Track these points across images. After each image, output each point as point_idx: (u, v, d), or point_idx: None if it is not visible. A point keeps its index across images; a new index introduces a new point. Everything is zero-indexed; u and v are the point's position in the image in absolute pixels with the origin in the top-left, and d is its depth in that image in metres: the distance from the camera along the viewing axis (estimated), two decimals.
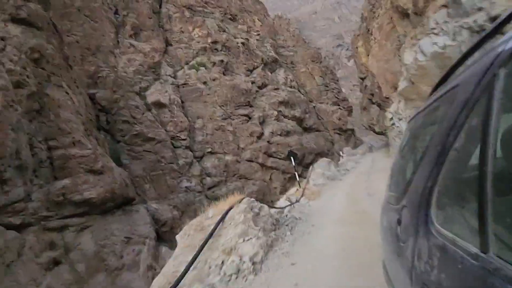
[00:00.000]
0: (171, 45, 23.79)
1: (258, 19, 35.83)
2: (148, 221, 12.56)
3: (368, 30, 14.61)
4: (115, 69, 18.10)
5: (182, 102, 20.66)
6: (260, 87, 26.45)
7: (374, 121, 25.20)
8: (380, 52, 11.39)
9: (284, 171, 22.49)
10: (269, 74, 29.27)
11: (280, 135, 24.06)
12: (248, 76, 26.09)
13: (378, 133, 29.30)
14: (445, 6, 6.84)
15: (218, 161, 20.12)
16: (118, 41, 19.97)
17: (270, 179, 21.57)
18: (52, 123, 9.57)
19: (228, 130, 21.39)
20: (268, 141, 22.90)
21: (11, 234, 7.27)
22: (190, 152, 18.76)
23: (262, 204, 6.14)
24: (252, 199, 6.09)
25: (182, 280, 3.72)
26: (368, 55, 15.66)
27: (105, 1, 20.37)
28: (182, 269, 3.95)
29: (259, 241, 4.63)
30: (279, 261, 4.52)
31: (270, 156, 22.53)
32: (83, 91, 13.68)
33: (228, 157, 20.58)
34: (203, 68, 23.54)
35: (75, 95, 11.44)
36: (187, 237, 5.06)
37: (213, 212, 5.75)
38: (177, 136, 18.39)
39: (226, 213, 5.28)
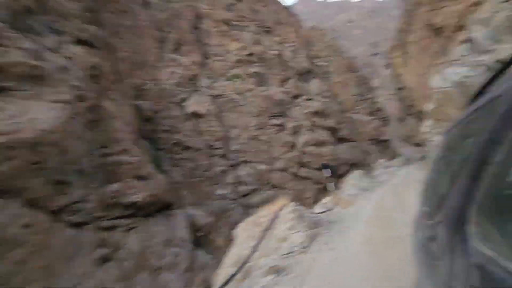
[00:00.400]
0: (208, 58, 25.01)
1: (292, 31, 36.39)
2: (186, 226, 13.27)
3: (405, 43, 14.47)
4: (158, 82, 19.46)
5: (218, 112, 21.57)
6: (293, 98, 26.78)
7: (411, 133, 24.38)
8: (416, 66, 11.27)
9: (317, 181, 22.44)
10: (303, 84, 29.53)
11: (314, 145, 24.08)
12: (282, 86, 26.56)
13: (416, 145, 28.22)
14: (465, 41, 7.44)
15: (252, 170, 20.63)
16: (161, 56, 21.47)
17: (303, 189, 21.63)
18: (106, 133, 10.64)
19: (262, 140, 21.88)
20: (301, 151, 23.05)
21: (72, 231, 8.21)
22: (225, 161, 19.47)
23: (304, 207, 7.31)
24: (296, 203, 7.20)
25: (250, 258, 5.18)
26: (404, 67, 15.45)
27: (150, 19, 22.06)
28: (247, 252, 5.47)
29: (304, 233, 6.04)
30: (320, 247, 5.93)
31: (303, 166, 22.63)
32: (131, 103, 14.93)
33: (262, 166, 21.03)
34: (239, 79, 24.43)
35: (125, 107, 12.59)
36: (246, 230, 6.37)
37: (265, 212, 6.95)
38: (213, 145, 19.22)
39: (277, 212, 6.66)
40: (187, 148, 17.17)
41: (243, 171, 20.10)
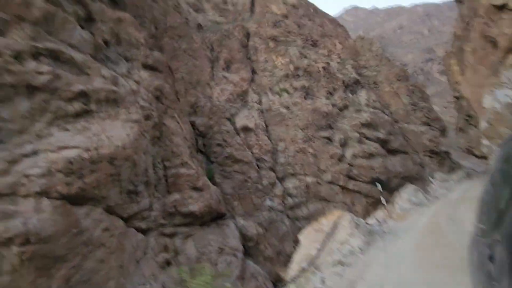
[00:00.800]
0: (256, 74, 26.00)
1: (339, 42, 36.20)
2: (237, 236, 13.85)
3: (461, 50, 13.66)
4: (211, 99, 20.76)
5: (266, 126, 22.21)
6: (341, 110, 26.50)
7: (472, 144, 22.46)
8: (474, 77, 10.65)
9: (367, 194, 21.75)
10: (351, 96, 29.08)
11: (363, 157, 23.47)
12: (329, 99, 26.48)
13: (477, 158, 25.84)
14: None
15: (299, 182, 20.74)
16: (213, 74, 22.92)
17: (352, 202, 21.11)
18: (167, 147, 11.75)
19: (309, 152, 21.95)
20: (349, 164, 22.60)
21: (140, 236, 9.19)
22: (273, 173, 19.88)
23: (360, 218, 8.59)
24: (352, 214, 7.96)
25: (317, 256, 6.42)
26: (461, 75, 14.56)
27: (203, 41, 23.76)
28: (314, 252, 6.68)
29: (361, 239, 7.09)
30: (375, 251, 6.91)
31: (351, 178, 22.14)
32: (187, 119, 16.19)
33: (309, 179, 21.03)
34: (286, 93, 24.95)
35: (183, 124, 13.73)
36: (310, 236, 7.77)
37: (324, 221, 8.27)
38: (262, 158, 19.79)
39: (336, 221, 7.79)
40: (238, 161, 17.95)
41: (290, 184, 20.31)
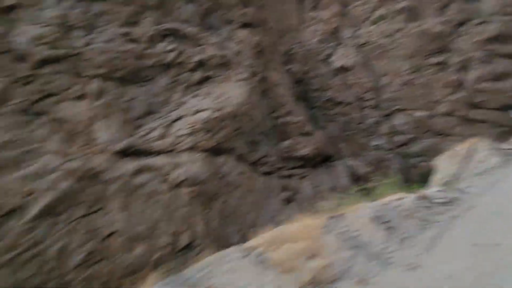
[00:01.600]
0: (348, 5, 23.77)
1: None
2: (347, 175, 14.45)
3: None
4: (303, 44, 20.43)
5: (365, 61, 20.79)
6: (457, 26, 22.29)
7: None
8: None
9: (497, 123, 18.81)
10: (471, 5, 23.89)
11: (490, 80, 19.86)
12: (441, 15, 22.46)
13: None
14: None
15: (408, 118, 19.35)
16: (301, 17, 22.13)
17: (477, 133, 18.67)
18: (273, 99, 12.68)
19: (418, 84, 19.84)
20: (472, 90, 19.56)
21: (264, 178, 10.74)
22: (378, 111, 19.04)
23: (495, 142, 9.28)
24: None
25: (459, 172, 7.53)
26: None
27: None
28: (454, 170, 7.80)
29: (498, 159, 7.83)
30: (511, 168, 7.42)
31: (475, 107, 19.31)
32: (284, 69, 16.66)
33: (420, 113, 19.35)
34: (384, 20, 22.31)
35: (283, 74, 14.31)
36: (445, 160, 8.79)
37: (459, 147, 9.00)
38: (364, 97, 19.05)
39: (473, 145, 8.53)
40: (339, 103, 17.84)
41: (398, 120, 19.18)
